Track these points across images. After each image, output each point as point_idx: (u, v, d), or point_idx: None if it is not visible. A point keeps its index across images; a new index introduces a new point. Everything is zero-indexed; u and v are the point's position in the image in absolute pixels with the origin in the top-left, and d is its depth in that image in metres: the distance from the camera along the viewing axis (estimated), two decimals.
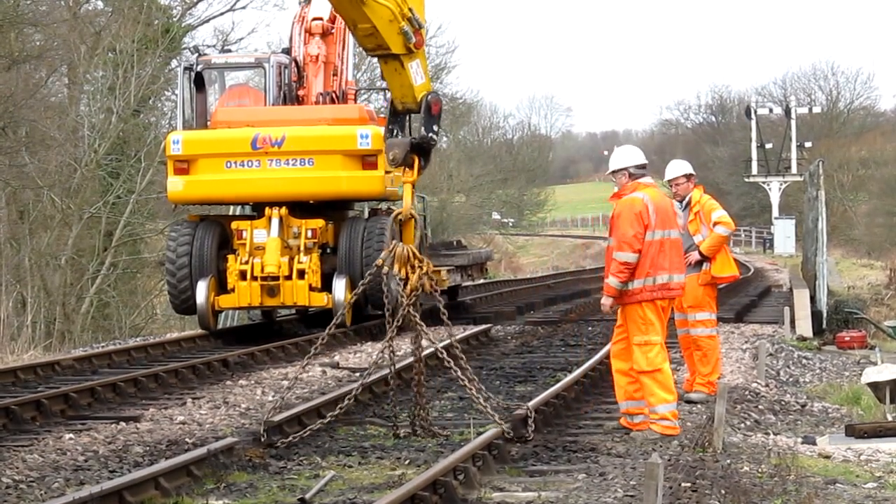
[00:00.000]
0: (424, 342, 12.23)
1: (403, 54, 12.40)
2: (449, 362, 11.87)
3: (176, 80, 25.58)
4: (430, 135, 12.50)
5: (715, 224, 13.99)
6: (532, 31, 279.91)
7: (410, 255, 12.06)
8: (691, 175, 14.11)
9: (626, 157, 12.01)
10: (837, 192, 71.60)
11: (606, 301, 11.86)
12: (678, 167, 14.17)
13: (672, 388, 11.73)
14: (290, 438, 11.67)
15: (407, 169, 12.50)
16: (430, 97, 12.56)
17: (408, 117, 12.75)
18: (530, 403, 12.02)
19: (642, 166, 12.02)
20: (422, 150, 12.51)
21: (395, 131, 12.61)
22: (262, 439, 11.67)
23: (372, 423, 13.00)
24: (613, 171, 12.01)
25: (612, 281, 11.74)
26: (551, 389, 13.45)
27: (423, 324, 12.08)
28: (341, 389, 14.30)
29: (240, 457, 10.84)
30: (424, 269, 12.06)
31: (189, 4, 43.59)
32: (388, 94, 12.92)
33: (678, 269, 11.91)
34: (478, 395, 11.74)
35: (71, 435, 12.43)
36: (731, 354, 18.95)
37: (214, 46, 40.40)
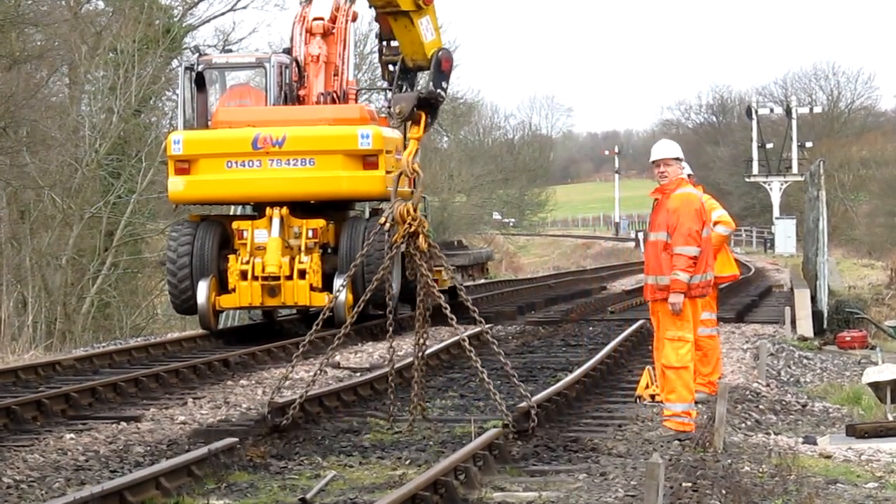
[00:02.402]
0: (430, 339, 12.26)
1: (413, 10, 12.33)
2: (470, 351, 11.91)
3: (177, 80, 25.58)
4: (439, 91, 12.40)
5: (715, 223, 13.99)
6: (533, 31, 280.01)
7: (405, 211, 12.04)
8: (690, 175, 14.09)
9: (674, 147, 12.04)
10: (838, 192, 71.59)
11: (678, 298, 11.62)
12: None
13: (692, 387, 11.78)
14: (294, 408, 11.75)
15: (413, 125, 12.41)
16: (440, 53, 12.47)
17: (417, 75, 12.66)
18: (534, 398, 12.05)
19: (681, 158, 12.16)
20: (429, 105, 12.40)
21: (404, 88, 12.54)
22: (267, 421, 11.78)
23: (373, 415, 13.04)
24: (675, 158, 11.88)
25: (683, 276, 11.61)
26: (553, 388, 13.48)
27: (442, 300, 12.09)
28: (342, 383, 14.38)
29: (240, 457, 10.84)
30: (415, 227, 12.03)
31: (190, 4, 43.62)
32: (399, 52, 12.82)
33: (713, 267, 12.08)
34: (489, 382, 11.82)
35: (72, 435, 12.44)
36: (731, 354, 18.95)
37: (215, 46, 40.56)
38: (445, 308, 12.06)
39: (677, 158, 11.96)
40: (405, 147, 12.52)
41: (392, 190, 12.28)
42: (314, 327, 12.30)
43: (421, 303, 12.30)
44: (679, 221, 11.71)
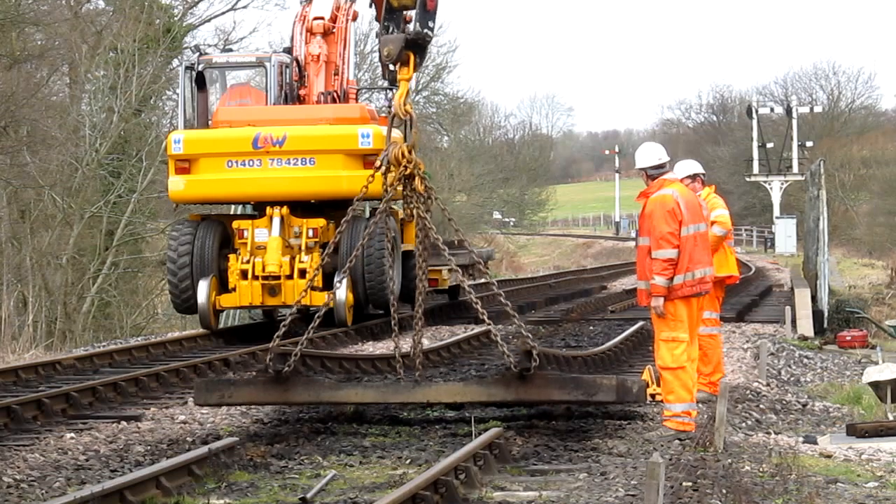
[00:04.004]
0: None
1: None
2: (476, 302, 11.96)
3: (177, 79, 25.59)
4: (426, 31, 12.38)
5: (712, 223, 13.98)
6: (533, 30, 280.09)
7: (400, 154, 12.10)
8: (696, 175, 14.02)
9: (643, 157, 12.04)
10: (838, 192, 71.57)
11: (658, 302, 11.70)
12: (681, 169, 14.09)
13: (691, 387, 11.77)
14: (295, 355, 11.86)
15: (402, 66, 12.42)
16: None
17: (403, 15, 12.60)
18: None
19: (660, 165, 12.03)
20: (417, 46, 12.39)
21: (391, 28, 12.51)
22: (269, 368, 11.82)
23: (372, 380, 13.10)
24: (649, 167, 12.03)
25: (659, 280, 11.65)
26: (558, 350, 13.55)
27: (434, 229, 12.18)
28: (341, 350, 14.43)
29: (241, 456, 10.84)
30: (411, 169, 12.09)
31: (190, 4, 43.65)
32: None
33: (709, 263, 12.04)
34: (495, 334, 11.91)
35: (72, 434, 12.44)
36: (732, 354, 18.95)
37: (216, 46, 40.54)
38: (460, 278, 12.17)
39: (640, 169, 12.00)
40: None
41: (386, 133, 12.39)
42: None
43: (421, 244, 12.35)
44: (652, 225, 11.76)
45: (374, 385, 11.92)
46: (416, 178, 12.14)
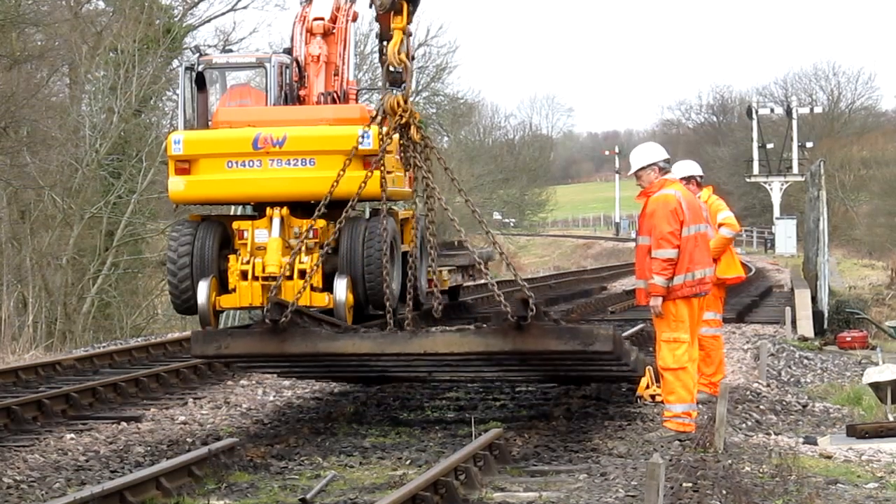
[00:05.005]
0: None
1: None
2: (493, 284, 11.99)
3: (177, 79, 25.57)
4: None
5: (720, 225, 13.97)
6: (533, 31, 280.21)
7: (395, 103, 12.09)
8: (692, 177, 13.99)
9: (652, 153, 12.02)
10: (839, 193, 71.57)
11: (657, 302, 11.71)
12: (678, 170, 14.08)
13: (692, 388, 11.76)
14: (292, 306, 11.88)
15: (395, 15, 12.42)
16: None
17: None
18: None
19: (668, 160, 12.06)
20: None
21: None
22: (266, 318, 11.81)
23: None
24: (641, 168, 11.96)
25: (658, 280, 11.65)
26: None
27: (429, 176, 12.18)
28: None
29: (241, 457, 10.84)
30: (406, 118, 12.06)
31: (190, 4, 43.66)
32: None
33: (709, 264, 12.01)
34: (493, 284, 11.95)
35: (72, 435, 12.44)
36: (732, 354, 18.95)
37: (216, 46, 40.55)
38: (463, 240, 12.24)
39: (648, 165, 11.96)
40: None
41: (381, 83, 12.38)
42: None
43: (425, 194, 12.35)
44: (653, 224, 11.75)
45: (370, 336, 11.79)
46: (412, 126, 12.10)
